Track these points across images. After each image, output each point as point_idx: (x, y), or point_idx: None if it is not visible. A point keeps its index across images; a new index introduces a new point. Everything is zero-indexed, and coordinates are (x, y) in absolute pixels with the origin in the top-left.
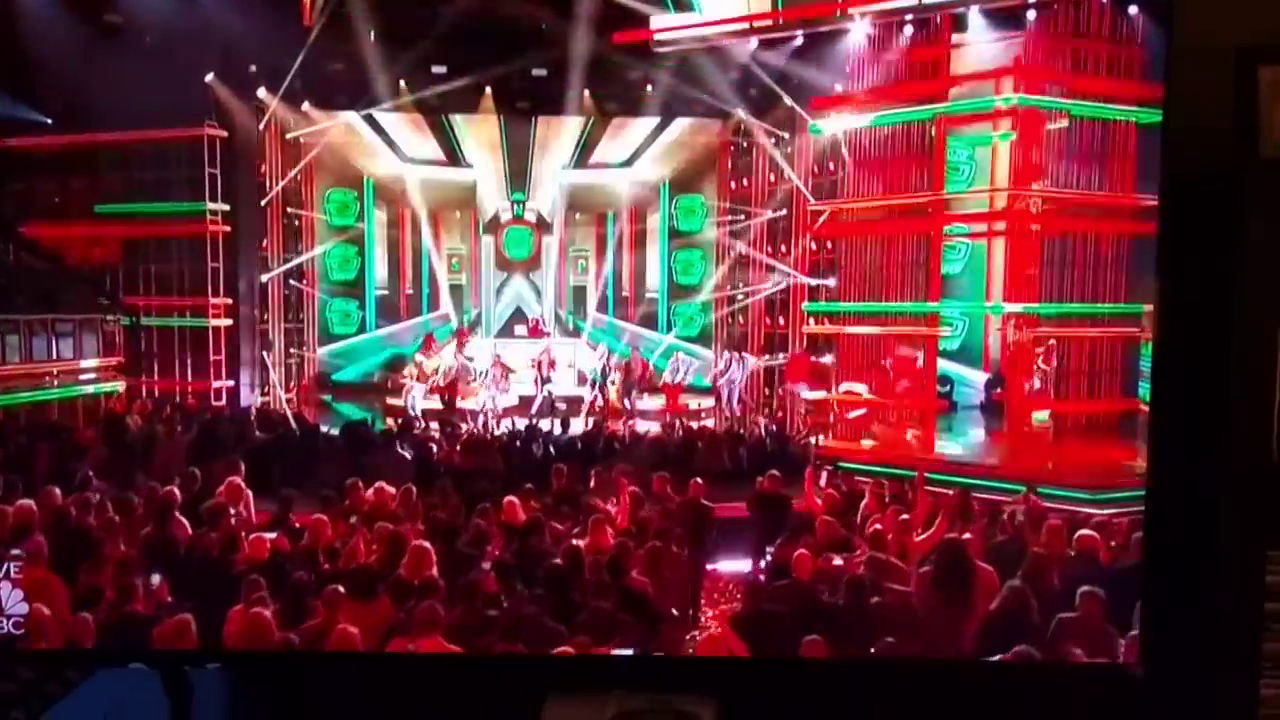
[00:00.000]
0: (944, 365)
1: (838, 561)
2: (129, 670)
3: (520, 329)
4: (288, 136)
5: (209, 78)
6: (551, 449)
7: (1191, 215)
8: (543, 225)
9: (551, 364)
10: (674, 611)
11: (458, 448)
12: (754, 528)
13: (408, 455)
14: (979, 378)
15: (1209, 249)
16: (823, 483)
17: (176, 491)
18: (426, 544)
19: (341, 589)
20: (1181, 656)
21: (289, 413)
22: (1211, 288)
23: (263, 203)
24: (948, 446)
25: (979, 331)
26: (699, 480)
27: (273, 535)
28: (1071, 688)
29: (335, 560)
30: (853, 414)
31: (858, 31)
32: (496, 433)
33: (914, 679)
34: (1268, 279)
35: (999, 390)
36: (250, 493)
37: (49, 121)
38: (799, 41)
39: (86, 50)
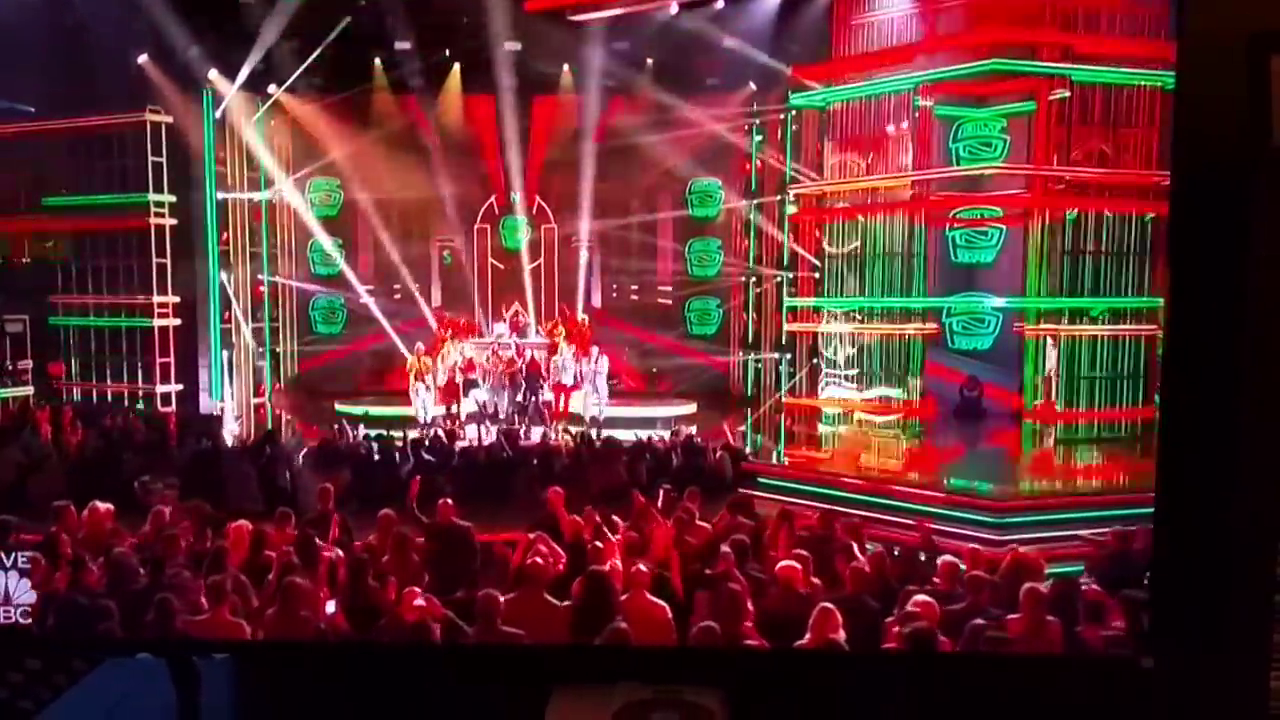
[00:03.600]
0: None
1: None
2: (136, 660)
3: (500, 325)
4: (253, 120)
5: (142, 59)
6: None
7: (1203, 204)
8: (540, 214)
9: (469, 365)
10: None
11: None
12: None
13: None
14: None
15: (1220, 238)
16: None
17: None
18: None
19: None
20: (1192, 648)
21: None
22: (1223, 277)
23: (221, 196)
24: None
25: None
26: (448, 501)
27: None
28: (1082, 680)
29: None
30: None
31: None
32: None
33: (922, 670)
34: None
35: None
36: None
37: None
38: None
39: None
